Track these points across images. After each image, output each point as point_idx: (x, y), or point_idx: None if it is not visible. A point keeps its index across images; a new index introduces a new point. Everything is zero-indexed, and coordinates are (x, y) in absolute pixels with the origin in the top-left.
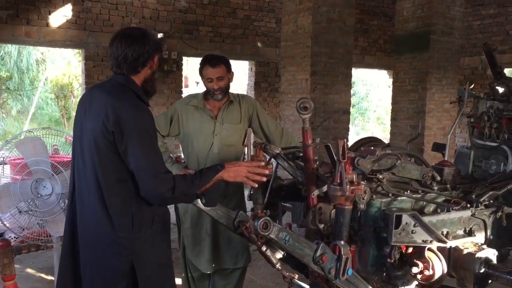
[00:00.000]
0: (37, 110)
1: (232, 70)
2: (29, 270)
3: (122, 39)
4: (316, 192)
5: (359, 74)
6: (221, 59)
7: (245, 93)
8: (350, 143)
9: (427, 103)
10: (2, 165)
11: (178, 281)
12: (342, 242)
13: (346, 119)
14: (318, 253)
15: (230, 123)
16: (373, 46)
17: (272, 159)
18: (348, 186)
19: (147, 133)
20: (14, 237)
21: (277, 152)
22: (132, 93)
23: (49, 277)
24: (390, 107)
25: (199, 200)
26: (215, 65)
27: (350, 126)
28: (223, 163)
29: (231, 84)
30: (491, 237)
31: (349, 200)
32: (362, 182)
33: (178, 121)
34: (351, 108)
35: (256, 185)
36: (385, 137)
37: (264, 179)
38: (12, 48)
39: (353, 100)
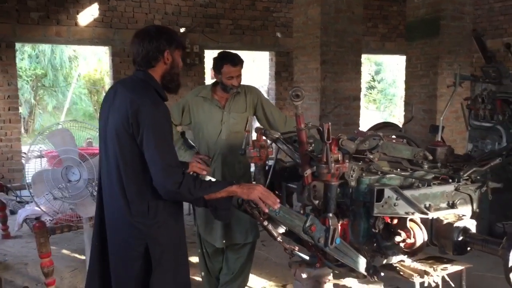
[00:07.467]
0: (71, 105)
1: None
2: (64, 251)
3: (136, 37)
4: (308, 171)
5: (386, 61)
6: (240, 58)
7: (267, 83)
8: (365, 129)
9: (439, 87)
10: (40, 158)
11: (195, 258)
12: (331, 215)
13: (356, 105)
14: (308, 223)
15: (237, 112)
16: (393, 32)
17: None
18: (333, 164)
19: (162, 127)
20: (50, 219)
21: (277, 136)
22: (152, 89)
23: (82, 257)
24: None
25: None
26: (238, 63)
27: (377, 112)
28: (240, 181)
29: None
30: (477, 210)
31: (335, 177)
32: (347, 161)
33: (189, 111)
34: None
35: (267, 210)
36: None
37: (276, 206)
38: (45, 47)
39: (380, 86)
